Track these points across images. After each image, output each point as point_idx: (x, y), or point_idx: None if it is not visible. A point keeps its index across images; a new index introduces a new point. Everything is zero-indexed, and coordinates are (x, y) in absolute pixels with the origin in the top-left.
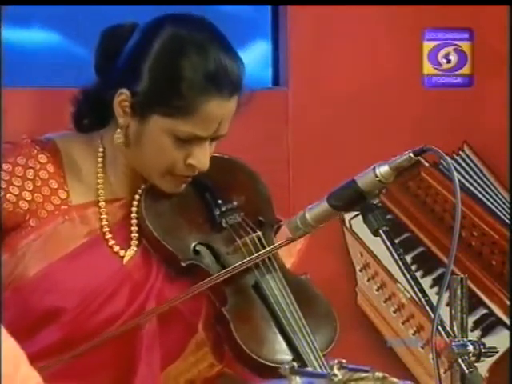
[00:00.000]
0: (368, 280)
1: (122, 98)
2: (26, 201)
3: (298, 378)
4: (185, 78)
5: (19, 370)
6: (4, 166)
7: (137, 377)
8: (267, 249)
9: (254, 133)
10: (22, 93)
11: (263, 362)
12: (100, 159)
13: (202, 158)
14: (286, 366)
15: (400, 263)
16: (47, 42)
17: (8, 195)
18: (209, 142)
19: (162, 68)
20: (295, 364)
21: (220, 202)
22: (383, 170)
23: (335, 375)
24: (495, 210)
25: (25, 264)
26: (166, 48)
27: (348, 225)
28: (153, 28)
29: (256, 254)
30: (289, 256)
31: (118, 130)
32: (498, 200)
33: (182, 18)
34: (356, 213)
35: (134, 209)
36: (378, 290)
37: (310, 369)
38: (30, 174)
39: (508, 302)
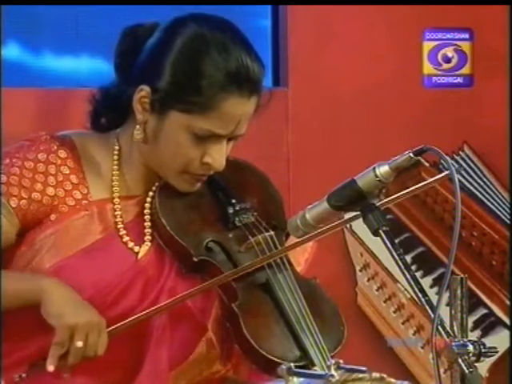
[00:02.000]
0: (368, 280)
1: (142, 94)
2: (50, 196)
3: (295, 379)
4: (206, 76)
5: None
6: (25, 164)
7: (142, 372)
8: (278, 250)
9: (254, 132)
10: (23, 93)
11: (271, 357)
12: (116, 157)
13: (218, 157)
14: (283, 367)
15: (400, 263)
16: (95, 69)
17: (33, 194)
18: (226, 141)
19: (183, 65)
20: (292, 365)
21: (234, 201)
22: (383, 170)
23: (332, 376)
24: (495, 210)
25: (41, 257)
26: (188, 45)
27: (348, 225)
28: (175, 26)
29: (268, 255)
30: (296, 265)
31: (138, 126)
32: (498, 200)
33: (204, 17)
34: (356, 213)
35: (147, 205)
36: (378, 290)
37: (317, 369)
38: (52, 169)
39: (508, 302)
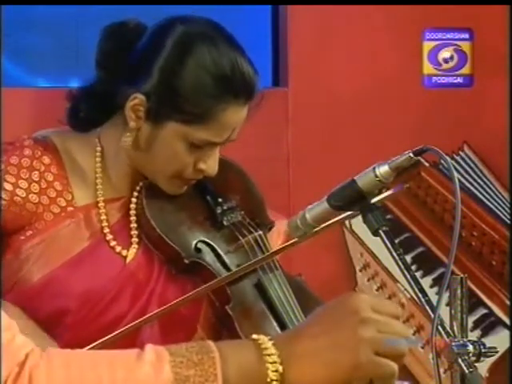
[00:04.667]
0: (368, 280)
1: (135, 102)
2: (33, 203)
3: None
4: (200, 85)
5: (15, 338)
6: (9, 169)
7: None
8: (274, 249)
9: (254, 133)
10: (22, 93)
11: None
12: (98, 159)
13: (212, 163)
14: None
15: (400, 263)
16: None
17: (15, 198)
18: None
19: (172, 69)
20: None
21: (220, 200)
22: (383, 170)
23: None
24: (495, 209)
25: (28, 268)
26: (177, 48)
27: (348, 225)
28: (164, 28)
29: (260, 257)
30: (277, 237)
31: (128, 134)
32: (498, 200)
33: (194, 19)
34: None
35: (132, 206)
36: (377, 290)
37: None
38: (36, 175)
39: (508, 302)
